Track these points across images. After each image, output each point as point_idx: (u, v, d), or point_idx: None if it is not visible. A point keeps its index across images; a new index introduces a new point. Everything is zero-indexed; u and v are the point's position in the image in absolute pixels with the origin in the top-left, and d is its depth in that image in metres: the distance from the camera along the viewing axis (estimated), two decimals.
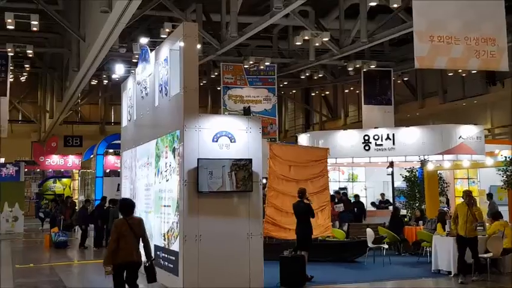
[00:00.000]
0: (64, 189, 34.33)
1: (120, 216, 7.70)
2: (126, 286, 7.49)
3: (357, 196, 18.53)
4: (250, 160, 9.72)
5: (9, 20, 17.16)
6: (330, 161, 13.95)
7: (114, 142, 19.48)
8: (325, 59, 23.17)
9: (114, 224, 7.70)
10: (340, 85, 32.72)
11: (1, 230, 22.02)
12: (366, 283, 10.67)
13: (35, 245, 19.04)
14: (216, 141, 9.76)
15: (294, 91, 36.82)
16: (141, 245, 7.63)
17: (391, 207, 17.51)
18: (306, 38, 18.97)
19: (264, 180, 11.15)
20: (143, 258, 7.55)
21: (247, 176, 9.59)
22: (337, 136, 19.38)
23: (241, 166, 9.60)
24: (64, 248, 16.74)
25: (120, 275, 7.39)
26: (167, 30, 17.57)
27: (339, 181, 21.46)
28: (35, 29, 18.21)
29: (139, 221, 7.76)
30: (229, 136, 9.85)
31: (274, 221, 11.92)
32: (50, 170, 33.93)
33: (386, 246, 13.01)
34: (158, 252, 10.49)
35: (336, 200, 16.99)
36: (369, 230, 13.02)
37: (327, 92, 34.97)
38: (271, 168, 11.98)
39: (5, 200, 22.49)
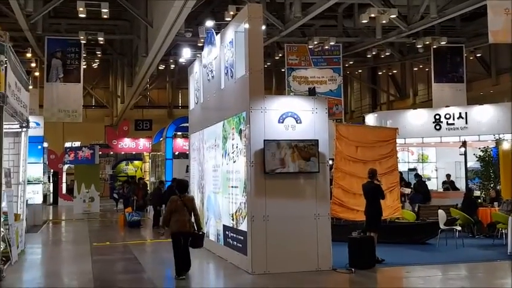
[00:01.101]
0: (136, 171, 35.66)
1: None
2: None
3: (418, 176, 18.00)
4: (315, 141, 9.66)
5: (81, 9, 17.87)
6: (398, 141, 13.62)
7: (182, 125, 19.91)
8: (392, 37, 22.55)
9: (170, 199, 9.32)
10: (408, 63, 31.79)
11: (79, 210, 23.21)
12: (438, 265, 10.38)
13: (110, 224, 19.94)
14: (282, 122, 9.76)
15: (359, 71, 36.13)
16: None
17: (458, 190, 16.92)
18: (373, 15, 18.49)
19: (331, 161, 11.06)
20: None
21: (308, 149, 9.53)
22: (406, 116, 18.93)
23: (305, 147, 9.56)
24: (138, 227, 17.43)
25: (177, 241, 9.16)
26: (231, 13, 17.67)
27: (408, 162, 20.97)
28: (105, 16, 18.85)
29: (191, 199, 9.56)
30: (295, 117, 9.81)
31: (342, 202, 11.83)
32: (122, 152, 35.25)
33: (459, 228, 12.59)
34: (227, 232, 10.70)
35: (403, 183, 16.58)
36: (440, 211, 12.64)
37: (395, 71, 34.08)
38: (337, 149, 11.86)
39: (82, 182, 23.68)
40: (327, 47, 23.39)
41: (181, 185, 9.60)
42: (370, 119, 19.82)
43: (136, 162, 36.76)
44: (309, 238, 9.50)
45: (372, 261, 9.90)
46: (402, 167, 17.76)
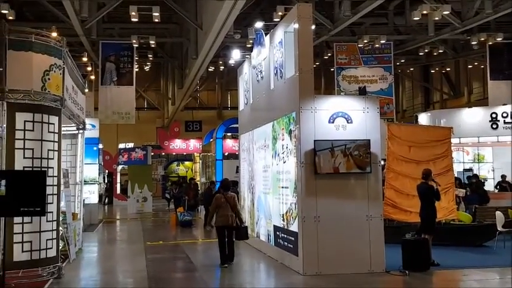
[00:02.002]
0: (187, 171, 36.24)
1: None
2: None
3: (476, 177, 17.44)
4: (367, 141, 9.53)
5: (133, 13, 18.31)
6: (453, 141, 13.22)
7: (231, 126, 20.08)
8: (445, 34, 21.96)
9: (215, 197, 10.64)
10: (462, 60, 30.87)
11: (133, 210, 23.80)
12: (496, 269, 10.01)
13: (163, 223, 20.32)
14: (333, 122, 9.68)
15: (411, 69, 35.36)
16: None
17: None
18: (425, 12, 18.07)
19: (383, 162, 10.87)
20: None
21: (363, 158, 9.41)
22: (460, 114, 18.44)
23: (358, 147, 9.44)
24: (189, 227, 17.69)
25: (222, 234, 10.39)
26: (280, 13, 17.67)
27: (464, 162, 20.35)
28: (156, 20, 19.23)
29: (233, 196, 10.58)
30: (345, 117, 9.71)
31: (394, 203, 11.59)
32: (174, 153, 35.90)
33: None
34: (278, 233, 10.70)
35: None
36: (498, 213, 12.20)
37: (448, 69, 33.14)
38: (389, 149, 11.63)
39: (135, 182, 24.26)
40: (377, 46, 23.01)
41: (225, 185, 10.95)
42: (423, 118, 19.38)
43: (187, 163, 37.37)
44: (361, 239, 9.38)
45: (427, 263, 9.67)
46: (457, 168, 17.26)
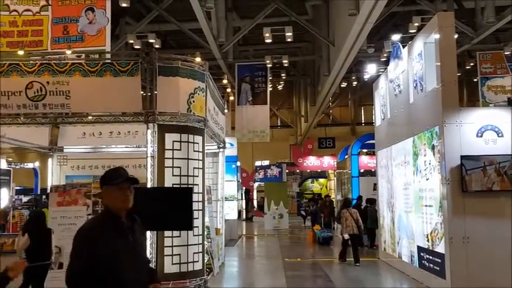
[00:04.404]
0: (321, 188, 36.15)
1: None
2: None
3: None
4: None
5: (267, 34, 18.86)
6: None
7: (367, 142, 19.64)
8: None
9: (341, 213, 13.22)
10: None
11: (269, 226, 24.25)
12: None
13: (299, 240, 20.39)
14: (481, 136, 9.06)
15: None
16: None
17: None
18: None
19: None
20: None
21: None
22: None
23: None
24: (327, 245, 17.52)
25: (347, 241, 13.08)
26: (416, 24, 17.07)
27: None
28: (289, 40, 19.60)
29: (355, 211, 13.17)
30: (495, 130, 9.04)
31: None
32: (308, 170, 36.06)
33: None
34: (422, 254, 10.17)
35: None
36: None
37: None
38: None
39: (271, 199, 24.74)
40: None
41: (346, 202, 13.81)
42: None
43: (321, 180, 37.30)
44: None
45: None
46: None
